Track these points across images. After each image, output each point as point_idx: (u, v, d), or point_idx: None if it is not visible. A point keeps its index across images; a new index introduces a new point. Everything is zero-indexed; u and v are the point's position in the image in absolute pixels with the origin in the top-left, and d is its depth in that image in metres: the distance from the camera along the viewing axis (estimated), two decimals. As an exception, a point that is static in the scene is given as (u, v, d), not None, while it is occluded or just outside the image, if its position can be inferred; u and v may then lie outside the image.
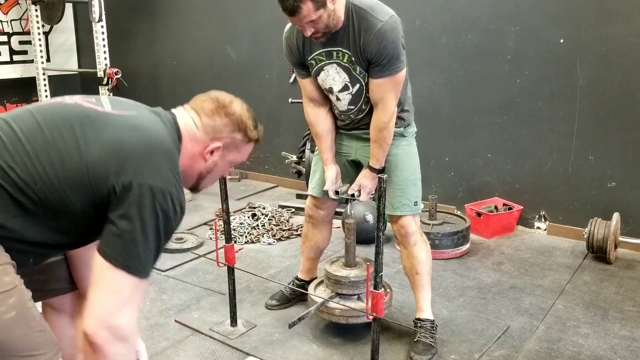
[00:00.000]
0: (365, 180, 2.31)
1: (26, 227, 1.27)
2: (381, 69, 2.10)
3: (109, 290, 1.24)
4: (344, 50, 2.14)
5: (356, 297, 2.39)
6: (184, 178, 1.45)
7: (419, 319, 2.40)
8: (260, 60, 4.86)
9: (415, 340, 2.34)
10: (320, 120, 2.37)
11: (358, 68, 2.16)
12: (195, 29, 5.23)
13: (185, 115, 1.47)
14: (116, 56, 5.22)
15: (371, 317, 2.02)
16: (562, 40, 3.47)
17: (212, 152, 1.48)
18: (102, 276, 1.25)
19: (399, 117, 2.26)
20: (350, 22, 2.09)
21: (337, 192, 2.37)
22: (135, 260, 1.25)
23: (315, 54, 2.21)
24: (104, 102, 1.40)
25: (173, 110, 1.49)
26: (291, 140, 4.76)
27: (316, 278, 2.72)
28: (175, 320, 2.63)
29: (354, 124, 2.34)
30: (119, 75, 4.78)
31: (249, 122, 1.52)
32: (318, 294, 2.48)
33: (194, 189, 1.57)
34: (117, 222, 1.25)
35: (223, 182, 2.38)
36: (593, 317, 2.65)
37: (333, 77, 2.22)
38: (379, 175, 1.92)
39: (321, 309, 2.39)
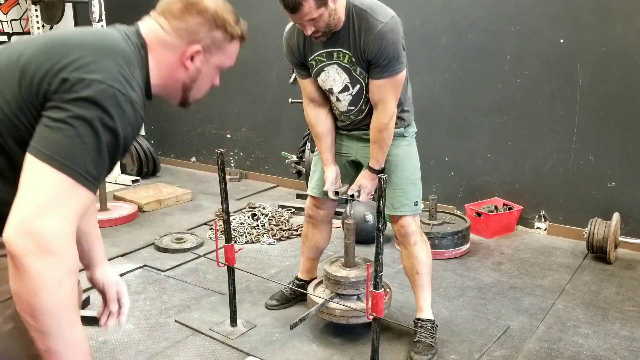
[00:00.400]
0: (365, 181, 2.31)
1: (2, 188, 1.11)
2: (381, 70, 2.10)
3: (31, 188, 0.99)
4: (344, 51, 2.14)
5: (356, 297, 2.40)
6: (168, 93, 1.33)
7: (419, 319, 2.40)
8: (260, 60, 4.86)
9: (416, 340, 2.34)
10: (320, 120, 2.37)
11: (358, 69, 2.15)
12: (195, 29, 5.22)
13: (149, 22, 1.28)
14: (116, 56, 5.22)
15: (371, 317, 2.02)
16: (562, 40, 3.47)
17: (192, 57, 1.28)
18: (26, 173, 1.01)
19: (399, 118, 2.26)
20: (350, 22, 2.09)
21: (336, 193, 2.37)
22: (65, 155, 1.00)
23: (315, 54, 2.21)
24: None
25: (138, 22, 1.31)
26: (291, 140, 4.76)
27: (316, 278, 2.72)
28: (175, 320, 2.62)
29: (354, 124, 2.34)
30: (119, 75, 4.78)
31: (227, 16, 1.33)
32: (317, 294, 2.48)
33: (184, 103, 1.37)
34: (48, 114, 1.03)
35: (223, 182, 2.38)
36: (593, 317, 2.65)
37: (334, 77, 2.22)
38: (379, 175, 1.92)
39: (321, 310, 2.39)
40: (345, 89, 2.22)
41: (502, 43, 3.67)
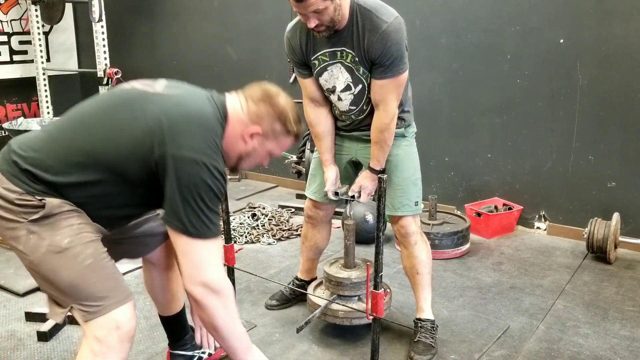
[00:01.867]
0: (366, 182, 2.30)
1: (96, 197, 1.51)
2: (384, 70, 2.10)
3: (185, 256, 1.47)
4: (347, 50, 2.13)
5: (357, 298, 2.40)
6: (226, 157, 1.61)
7: (419, 319, 2.40)
8: (260, 60, 4.86)
9: (416, 340, 2.34)
10: (320, 120, 2.37)
11: (361, 68, 2.15)
12: (195, 29, 5.23)
13: (234, 99, 1.63)
14: (116, 56, 5.22)
15: (371, 317, 2.02)
16: (562, 40, 3.47)
17: (251, 135, 1.62)
18: (175, 243, 1.48)
19: (399, 118, 2.25)
20: (354, 22, 2.08)
21: (336, 193, 2.37)
22: (193, 225, 1.44)
23: (319, 53, 2.20)
24: (158, 84, 1.59)
25: (226, 93, 1.64)
26: (291, 140, 4.75)
27: (316, 278, 2.72)
28: (175, 321, 2.62)
29: (354, 124, 2.34)
30: (119, 75, 4.78)
31: (290, 115, 1.66)
32: (318, 295, 2.48)
33: (233, 169, 1.69)
34: (167, 193, 1.44)
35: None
36: (593, 317, 2.65)
37: (337, 76, 2.21)
38: (379, 175, 1.92)
39: (323, 311, 2.39)
40: (347, 88, 2.22)
41: (502, 43, 3.67)
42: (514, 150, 3.76)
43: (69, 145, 1.48)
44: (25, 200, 1.45)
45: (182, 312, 2.13)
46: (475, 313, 2.69)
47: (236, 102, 1.62)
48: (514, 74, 3.67)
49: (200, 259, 1.46)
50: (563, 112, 3.55)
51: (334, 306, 2.37)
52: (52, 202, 1.45)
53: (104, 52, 4.77)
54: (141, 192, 1.53)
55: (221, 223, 2.50)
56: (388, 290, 2.43)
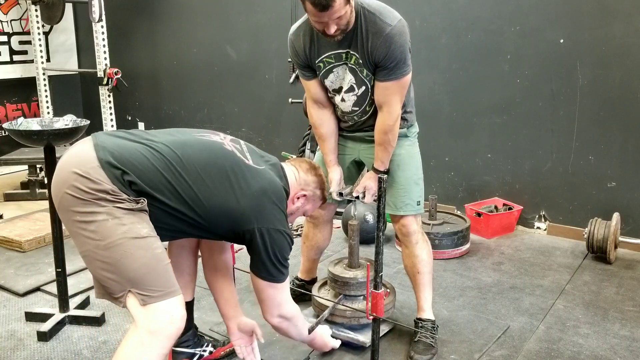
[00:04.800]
0: (370, 182, 2.30)
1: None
2: (388, 72, 2.10)
3: (268, 297, 1.88)
4: (352, 52, 2.13)
5: (362, 297, 2.40)
6: None
7: (419, 319, 2.40)
8: (260, 60, 4.86)
9: (416, 340, 2.34)
10: (324, 121, 2.36)
11: (365, 70, 2.15)
12: (195, 29, 5.23)
13: (290, 169, 1.98)
14: (116, 56, 5.23)
15: (371, 317, 2.02)
16: (562, 40, 3.47)
17: (298, 197, 1.97)
18: (259, 287, 1.87)
19: (402, 118, 2.25)
20: (359, 24, 2.07)
21: (340, 194, 2.37)
22: (274, 274, 1.84)
23: (324, 56, 2.19)
24: (243, 148, 1.88)
25: (282, 163, 1.98)
26: (291, 140, 4.76)
27: (316, 278, 2.72)
28: (176, 320, 2.62)
29: (357, 125, 2.34)
30: (119, 75, 4.79)
31: (326, 185, 2.07)
32: (322, 295, 2.48)
33: None
34: (258, 252, 1.80)
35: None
36: (593, 317, 2.65)
37: (342, 77, 2.21)
38: (379, 175, 1.92)
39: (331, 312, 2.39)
40: (350, 89, 2.22)
41: (502, 43, 3.67)
42: (514, 150, 3.77)
43: (179, 182, 1.67)
44: (119, 193, 1.59)
45: (191, 305, 2.16)
46: (475, 313, 2.69)
47: (291, 172, 1.97)
48: (514, 74, 3.67)
49: (280, 298, 1.89)
50: (563, 112, 3.55)
51: (340, 306, 2.37)
52: (145, 202, 1.64)
53: (104, 52, 4.78)
54: (208, 236, 1.85)
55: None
56: (388, 290, 2.43)
